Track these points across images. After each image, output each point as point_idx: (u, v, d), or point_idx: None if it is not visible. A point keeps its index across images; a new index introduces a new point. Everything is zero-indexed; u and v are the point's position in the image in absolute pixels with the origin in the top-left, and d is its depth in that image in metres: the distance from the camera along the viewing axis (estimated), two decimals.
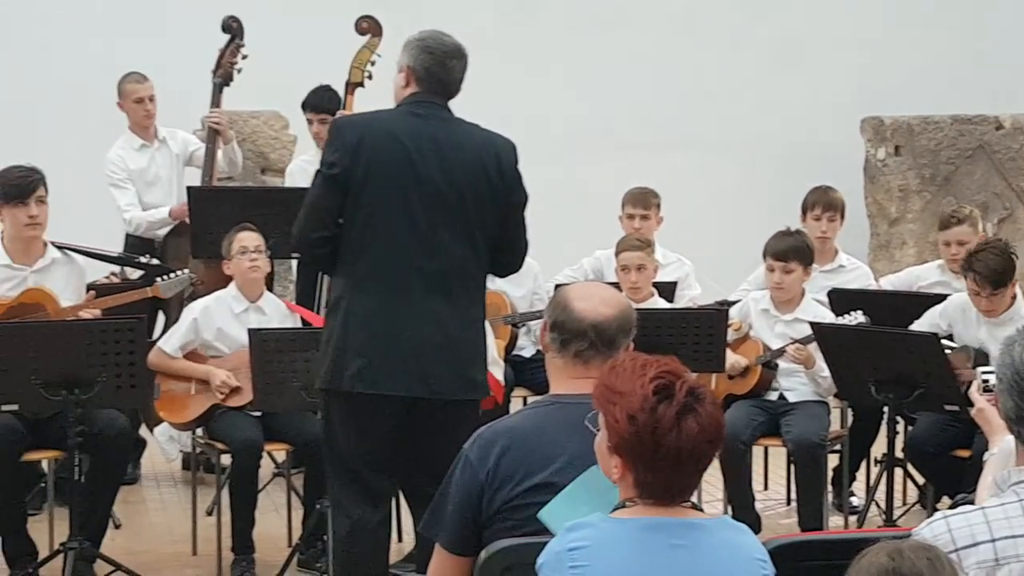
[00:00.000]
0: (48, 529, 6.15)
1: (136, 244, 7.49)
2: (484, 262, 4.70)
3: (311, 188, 4.68)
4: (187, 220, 7.25)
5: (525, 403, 7.16)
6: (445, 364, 4.56)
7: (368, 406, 4.55)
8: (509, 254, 4.78)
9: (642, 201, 7.45)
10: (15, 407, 5.55)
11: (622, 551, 2.76)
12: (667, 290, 7.06)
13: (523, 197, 4.74)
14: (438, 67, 4.61)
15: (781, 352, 6.36)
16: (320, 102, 7.60)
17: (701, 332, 6.22)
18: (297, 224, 4.70)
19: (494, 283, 7.23)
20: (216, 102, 7.62)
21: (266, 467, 6.48)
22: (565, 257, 7.56)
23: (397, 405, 4.57)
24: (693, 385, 2.82)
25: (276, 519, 6.72)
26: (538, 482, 3.25)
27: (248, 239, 6.29)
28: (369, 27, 6.92)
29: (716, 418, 2.82)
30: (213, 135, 7.62)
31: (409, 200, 4.52)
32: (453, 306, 4.58)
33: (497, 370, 6.22)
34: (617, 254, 6.84)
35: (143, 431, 7.33)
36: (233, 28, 7.61)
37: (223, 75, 7.61)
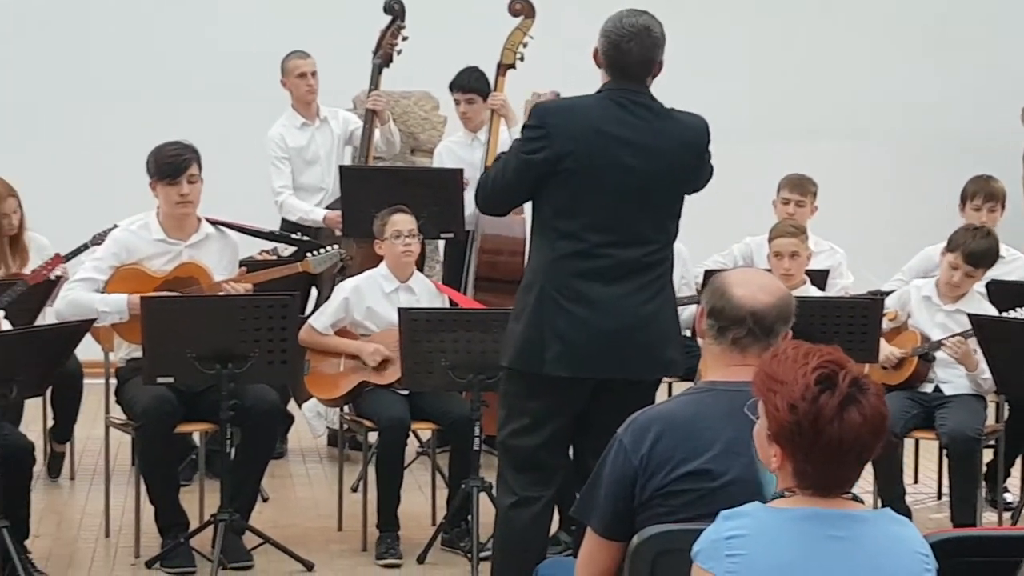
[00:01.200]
0: (198, 500, 6.26)
1: (290, 223, 7.60)
2: (673, 241, 4.72)
3: (506, 163, 4.65)
4: (337, 231, 7.30)
5: (669, 389, 7.12)
6: (641, 345, 4.56)
7: (563, 388, 4.56)
8: None
9: (799, 187, 7.36)
10: (170, 380, 5.64)
11: (780, 541, 2.72)
12: (819, 278, 6.97)
13: (710, 175, 4.74)
14: (613, 51, 4.55)
15: (939, 345, 6.23)
16: (468, 82, 7.62)
17: (855, 321, 6.12)
18: (484, 188, 4.72)
19: None
20: (375, 83, 7.68)
21: (410, 445, 6.52)
22: (712, 243, 7.49)
23: (590, 387, 4.58)
24: (857, 375, 2.76)
25: (420, 498, 6.76)
26: (693, 469, 3.21)
27: (402, 222, 6.31)
28: (522, 8, 6.91)
29: (880, 410, 2.75)
30: (371, 116, 7.67)
31: (606, 187, 4.51)
32: (647, 289, 4.58)
33: None
34: (771, 240, 6.76)
35: (291, 406, 7.42)
36: (395, 10, 7.66)
37: (383, 56, 7.66)
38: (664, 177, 4.56)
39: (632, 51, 4.53)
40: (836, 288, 7.10)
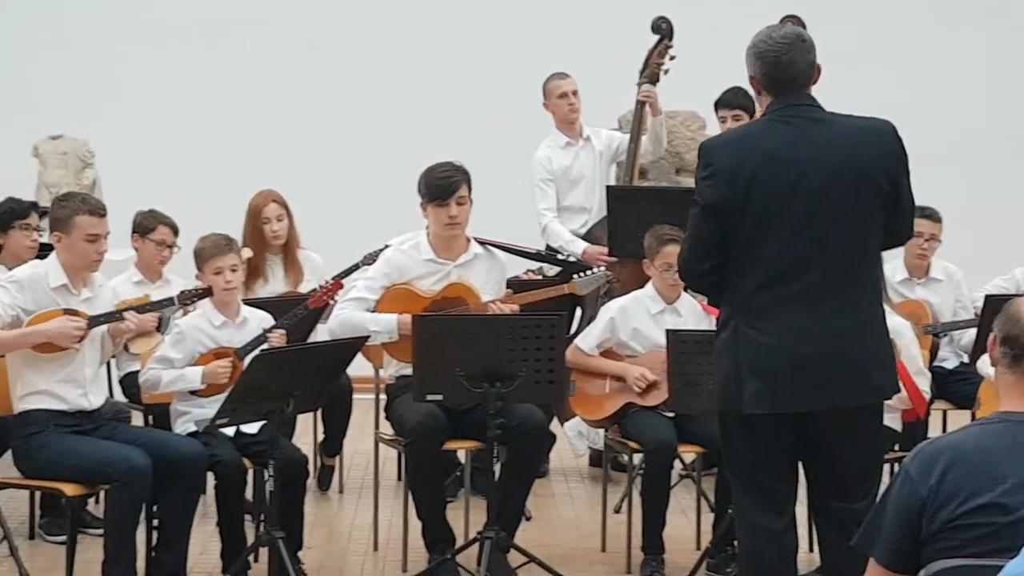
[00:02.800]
0: (463, 517, 6.33)
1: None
2: (876, 255, 4.50)
3: (690, 217, 4.51)
4: (600, 259, 7.29)
5: (944, 416, 6.91)
6: (843, 371, 4.37)
7: (767, 425, 4.42)
8: (899, 219, 4.51)
9: None
10: (439, 397, 5.70)
11: None
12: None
13: (905, 165, 4.45)
14: (774, 68, 4.40)
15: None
16: (733, 99, 7.57)
17: None
18: (681, 256, 4.59)
19: (914, 292, 7.03)
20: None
21: (674, 467, 6.46)
22: (988, 266, 7.25)
23: (796, 420, 4.43)
24: None
25: (684, 521, 6.71)
26: (984, 502, 3.09)
27: (675, 255, 6.26)
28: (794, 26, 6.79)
29: None
30: (640, 109, 7.65)
31: (793, 213, 4.34)
32: (849, 311, 4.38)
33: (923, 381, 6.01)
34: None
35: (553, 425, 7.45)
36: (663, 29, 7.64)
37: (650, 75, 7.65)
38: (849, 190, 4.34)
39: (794, 61, 4.39)
40: None
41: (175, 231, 7.09)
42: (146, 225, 7.07)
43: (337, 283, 6.50)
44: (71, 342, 5.49)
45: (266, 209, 7.30)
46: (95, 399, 5.67)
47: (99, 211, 5.58)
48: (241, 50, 10.50)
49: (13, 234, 6.78)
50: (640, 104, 7.67)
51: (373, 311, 6.08)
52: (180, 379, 5.83)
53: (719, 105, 7.68)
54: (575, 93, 7.82)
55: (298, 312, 6.20)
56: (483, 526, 5.69)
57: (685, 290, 6.47)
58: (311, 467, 6.54)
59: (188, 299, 5.95)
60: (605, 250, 7.33)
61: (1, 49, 10.46)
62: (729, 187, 4.34)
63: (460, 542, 6.00)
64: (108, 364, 6.58)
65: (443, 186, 6.01)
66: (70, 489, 5.45)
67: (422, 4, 10.58)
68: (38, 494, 6.49)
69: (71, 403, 5.57)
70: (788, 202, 4.34)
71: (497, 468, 5.87)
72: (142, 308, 5.82)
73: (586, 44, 9.63)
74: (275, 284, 7.32)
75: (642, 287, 6.43)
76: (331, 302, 6.51)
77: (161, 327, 6.47)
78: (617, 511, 6.83)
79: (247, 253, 7.01)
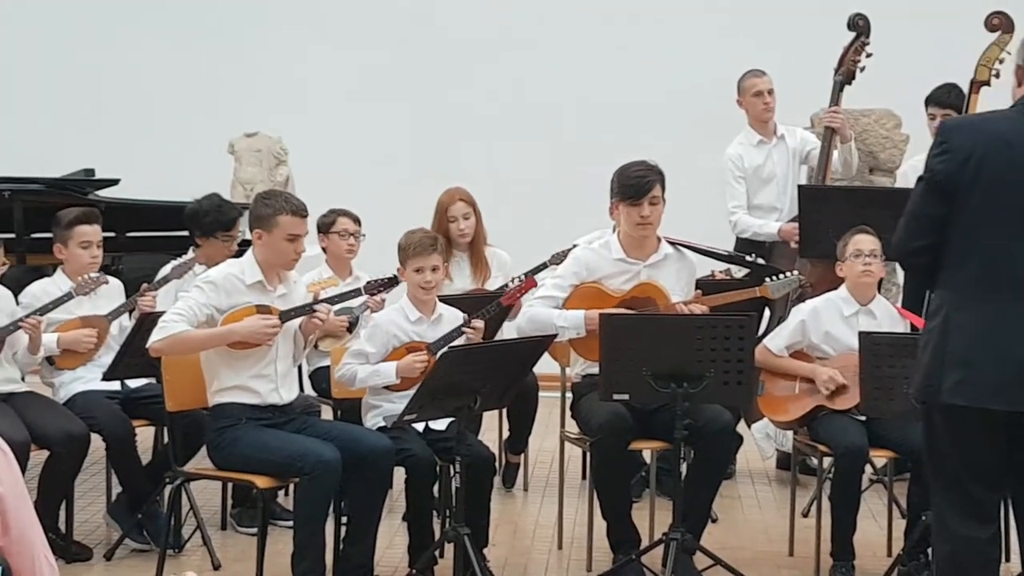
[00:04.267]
0: (648, 517, 6.29)
1: (744, 243, 7.55)
2: None
3: (912, 194, 4.43)
4: (792, 244, 7.21)
5: None
6: None
7: (970, 419, 4.27)
8: None
9: None
10: (625, 397, 5.66)
11: None
12: None
13: None
14: None
15: None
16: (944, 97, 7.40)
17: None
18: (897, 233, 4.48)
19: None
20: (835, 100, 7.54)
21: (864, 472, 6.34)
22: None
23: (1003, 418, 4.27)
24: None
25: (874, 526, 6.57)
26: None
27: (864, 242, 6.15)
28: (1000, 23, 6.63)
29: None
30: (830, 134, 7.53)
31: (1017, 206, 4.21)
32: None
33: None
34: None
35: (740, 426, 7.35)
36: (859, 26, 7.50)
37: (845, 73, 7.51)
38: None
39: None
40: None
41: (356, 220, 7.19)
42: (327, 222, 7.18)
43: (531, 280, 6.50)
44: (263, 340, 5.59)
45: (453, 208, 7.33)
46: (287, 394, 5.76)
47: (301, 212, 5.67)
48: (436, 47, 10.58)
49: (214, 242, 6.91)
50: (828, 129, 7.53)
51: (561, 309, 6.06)
52: (375, 374, 5.88)
53: (929, 102, 7.52)
54: (771, 92, 7.71)
55: (491, 308, 6.22)
56: (668, 527, 5.64)
57: (878, 291, 6.35)
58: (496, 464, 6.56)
59: (374, 289, 6.00)
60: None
61: (202, 48, 10.71)
62: (959, 166, 4.25)
63: (645, 543, 5.96)
64: None
65: (636, 185, 5.97)
66: (261, 481, 5.54)
67: (617, 2, 10.55)
68: (230, 486, 6.64)
69: (263, 397, 5.67)
70: (1015, 193, 4.22)
71: (683, 469, 5.82)
72: (331, 299, 5.89)
73: (781, 40, 9.50)
74: (461, 281, 7.35)
75: (833, 289, 6.30)
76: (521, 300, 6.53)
77: (351, 328, 6.56)
78: (805, 515, 6.73)
79: None
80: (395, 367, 5.85)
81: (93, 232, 6.49)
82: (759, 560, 6.26)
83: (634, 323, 5.67)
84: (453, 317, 6.03)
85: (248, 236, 5.81)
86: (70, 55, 10.73)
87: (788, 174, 7.71)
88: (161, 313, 5.73)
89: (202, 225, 6.93)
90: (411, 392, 5.49)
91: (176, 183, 7.84)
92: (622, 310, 5.97)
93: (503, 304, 6.37)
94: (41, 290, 6.43)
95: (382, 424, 5.87)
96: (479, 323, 5.96)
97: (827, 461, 6.14)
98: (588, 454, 6.20)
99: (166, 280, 6.71)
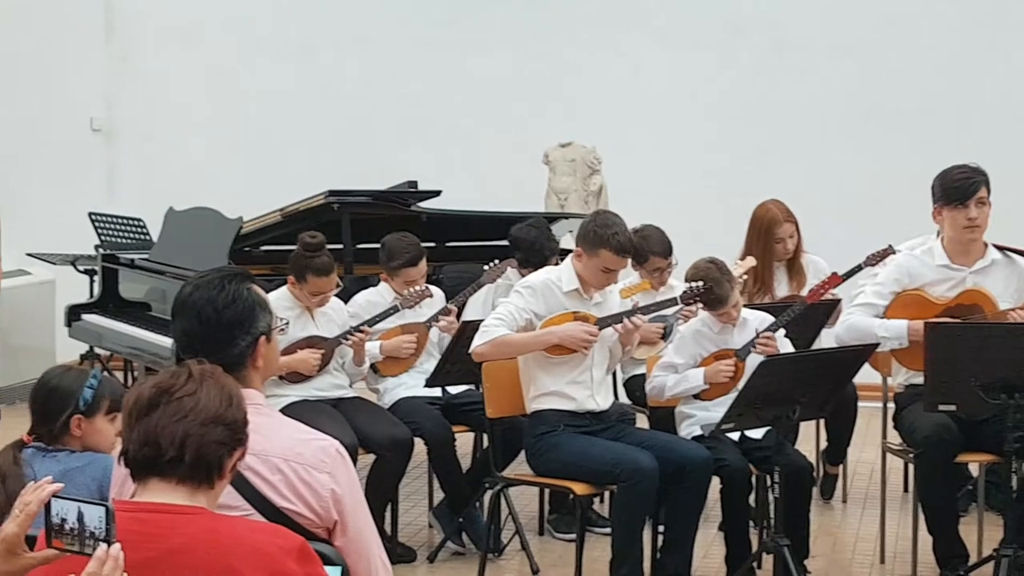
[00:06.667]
0: (976, 533, 6.07)
1: None
2: None
3: None
4: None
5: None
6: None
7: None
8: None
9: None
10: (952, 408, 5.49)
11: None
12: None
13: None
14: None
15: None
16: None
17: None
18: None
19: None
20: None
21: None
22: None
23: None
24: None
25: None
26: None
27: None
28: None
29: None
30: None
31: None
32: None
33: None
34: None
35: None
36: None
37: None
38: None
39: None
40: None
41: (667, 254, 6.85)
42: (639, 257, 6.75)
43: (835, 277, 6.38)
44: (581, 345, 5.64)
45: (780, 229, 7.19)
46: (602, 401, 5.80)
47: (625, 251, 5.70)
48: (761, 56, 10.41)
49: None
50: None
51: (882, 318, 5.92)
52: (683, 381, 5.90)
53: None
54: None
55: (795, 309, 6.13)
56: (999, 543, 5.42)
57: None
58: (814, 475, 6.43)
59: (690, 298, 5.97)
60: None
61: (517, 57, 10.84)
62: None
63: (973, 559, 5.75)
64: None
65: (961, 187, 5.79)
66: (579, 488, 5.58)
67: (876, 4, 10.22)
68: (547, 491, 6.70)
69: (580, 404, 5.73)
70: None
71: (1014, 482, 5.59)
72: (648, 307, 5.90)
73: None
74: (779, 291, 7.24)
75: None
76: (829, 297, 6.41)
77: (666, 336, 6.56)
78: None
79: (750, 262, 6.98)
80: (702, 373, 5.86)
81: (417, 272, 6.63)
82: None
83: (961, 331, 5.48)
84: (758, 320, 5.99)
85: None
86: (390, 72, 10.99)
87: None
88: (480, 321, 5.85)
89: (523, 251, 7.00)
90: (727, 399, 5.45)
91: (496, 192, 7.94)
92: (946, 319, 5.78)
93: (808, 302, 6.27)
94: (367, 301, 6.63)
95: (698, 432, 5.85)
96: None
97: None
98: (911, 466, 6.02)
99: (479, 286, 6.88)
